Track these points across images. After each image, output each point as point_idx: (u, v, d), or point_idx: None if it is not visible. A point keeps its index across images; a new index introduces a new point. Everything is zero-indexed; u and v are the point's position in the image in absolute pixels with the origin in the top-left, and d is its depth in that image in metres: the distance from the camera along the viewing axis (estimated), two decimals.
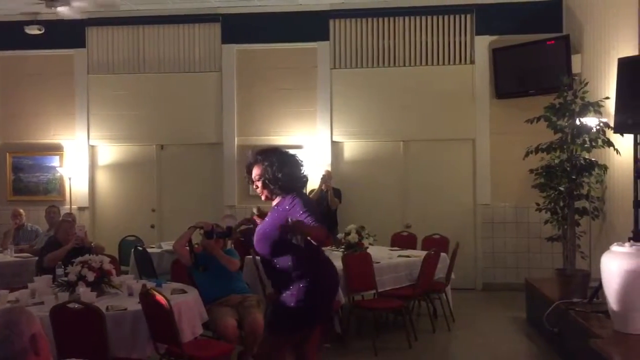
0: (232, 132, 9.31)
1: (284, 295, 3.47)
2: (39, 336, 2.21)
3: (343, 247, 6.81)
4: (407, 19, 9.08)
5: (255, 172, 3.54)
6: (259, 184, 3.52)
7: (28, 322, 2.19)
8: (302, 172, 3.59)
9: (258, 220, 3.66)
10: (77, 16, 8.15)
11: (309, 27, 9.15)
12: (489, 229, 8.87)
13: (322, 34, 9.14)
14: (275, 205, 3.56)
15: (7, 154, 9.62)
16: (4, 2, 8.67)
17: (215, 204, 9.27)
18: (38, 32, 9.01)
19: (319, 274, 3.51)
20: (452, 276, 6.90)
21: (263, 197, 3.58)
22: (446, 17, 9.03)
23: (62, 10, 7.70)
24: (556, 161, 6.22)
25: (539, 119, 6.30)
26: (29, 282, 4.82)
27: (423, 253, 6.58)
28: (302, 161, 3.62)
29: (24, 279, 5.38)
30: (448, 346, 6.27)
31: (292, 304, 3.41)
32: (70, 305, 3.94)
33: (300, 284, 3.42)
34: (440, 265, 6.68)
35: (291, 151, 3.66)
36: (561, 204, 6.19)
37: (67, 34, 9.37)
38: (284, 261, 3.45)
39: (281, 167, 3.46)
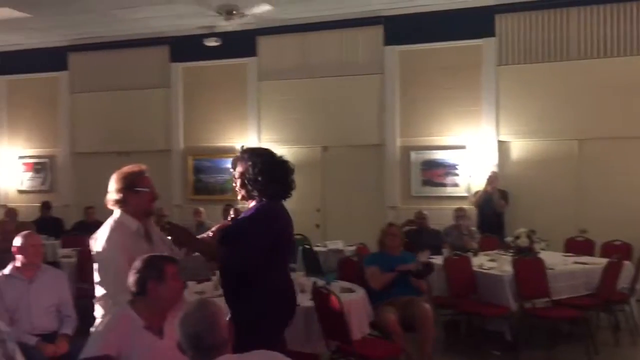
0: (393, 133, 9.33)
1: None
2: (229, 325, 2.39)
3: (512, 251, 6.54)
4: (582, 9, 8.46)
5: (238, 169, 3.36)
6: (238, 182, 3.34)
7: (221, 312, 2.38)
8: (287, 180, 3.34)
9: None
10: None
11: (474, 24, 8.88)
12: None
13: (487, 30, 8.83)
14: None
15: (189, 156, 10.51)
16: (185, 17, 9.47)
17: (378, 204, 9.36)
18: (215, 44, 9.71)
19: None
20: (638, 286, 6.30)
21: (239, 197, 3.40)
22: (628, 4, 8.27)
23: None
24: None
25: None
26: (212, 275, 5.21)
27: (603, 260, 6.11)
28: (292, 169, 3.38)
29: (208, 272, 5.81)
30: None
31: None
32: None
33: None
34: (623, 274, 6.14)
35: (284, 157, 3.39)
36: None
37: (241, 44, 9.99)
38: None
39: (263, 170, 3.26)
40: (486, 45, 8.87)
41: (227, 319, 2.40)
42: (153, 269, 2.76)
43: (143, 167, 3.32)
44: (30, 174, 11.43)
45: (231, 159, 3.45)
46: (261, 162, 3.28)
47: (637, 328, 6.22)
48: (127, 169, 3.29)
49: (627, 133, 8.21)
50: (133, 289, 2.78)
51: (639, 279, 6.27)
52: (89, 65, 11.03)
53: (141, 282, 2.76)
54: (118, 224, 3.17)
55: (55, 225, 9.83)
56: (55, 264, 6.52)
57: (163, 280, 2.75)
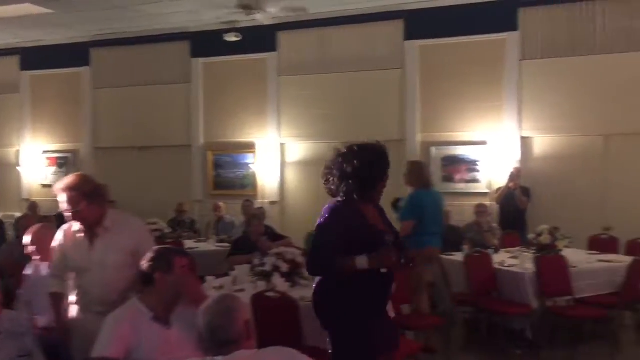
0: (414, 129, 9.24)
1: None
2: (250, 321, 2.37)
3: (534, 248, 6.46)
4: (607, 2, 8.27)
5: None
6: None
7: (242, 308, 2.36)
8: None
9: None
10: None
11: (497, 17, 8.75)
12: None
13: (510, 24, 8.69)
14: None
15: (209, 152, 10.53)
16: (206, 13, 9.48)
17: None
18: (235, 39, 9.71)
19: None
20: None
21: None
22: None
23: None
24: None
25: None
26: (231, 270, 5.21)
27: (627, 258, 5.99)
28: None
29: (225, 267, 5.82)
30: None
31: None
32: (269, 293, 4.18)
33: None
34: None
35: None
36: None
37: (261, 40, 9.96)
38: None
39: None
40: (509, 40, 8.73)
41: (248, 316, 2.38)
42: (162, 261, 2.82)
43: None
44: (53, 169, 11.55)
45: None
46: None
47: None
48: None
49: None
50: (142, 279, 2.84)
51: None
52: (110, 60, 11.11)
53: (150, 273, 2.82)
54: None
55: None
56: None
57: (171, 271, 2.80)
